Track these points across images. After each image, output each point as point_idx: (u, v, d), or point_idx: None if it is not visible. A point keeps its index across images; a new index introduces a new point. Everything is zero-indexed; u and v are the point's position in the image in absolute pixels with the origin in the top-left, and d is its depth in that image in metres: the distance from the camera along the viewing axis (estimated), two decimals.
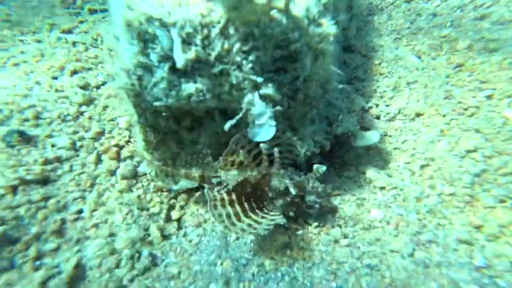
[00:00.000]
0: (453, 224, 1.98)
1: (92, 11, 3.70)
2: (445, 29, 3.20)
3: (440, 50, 3.06)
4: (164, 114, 1.88)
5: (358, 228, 2.10)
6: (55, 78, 2.85)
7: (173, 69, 1.68)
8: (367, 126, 2.66)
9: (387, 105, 2.76)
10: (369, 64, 3.15)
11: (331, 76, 2.10)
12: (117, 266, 1.86)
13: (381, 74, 3.04)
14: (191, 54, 1.56)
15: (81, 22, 3.60)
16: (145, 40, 1.60)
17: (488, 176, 2.13)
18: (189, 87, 1.71)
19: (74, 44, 3.21)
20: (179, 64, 1.57)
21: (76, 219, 2.06)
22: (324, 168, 1.95)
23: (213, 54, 1.62)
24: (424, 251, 1.88)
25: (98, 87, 2.95)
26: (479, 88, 2.60)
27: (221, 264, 1.94)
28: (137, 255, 1.93)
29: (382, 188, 2.31)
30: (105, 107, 2.83)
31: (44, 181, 2.15)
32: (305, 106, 2.06)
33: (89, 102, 2.81)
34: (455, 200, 2.08)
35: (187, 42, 1.58)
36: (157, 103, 1.76)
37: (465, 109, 2.52)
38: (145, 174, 2.48)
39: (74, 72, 2.96)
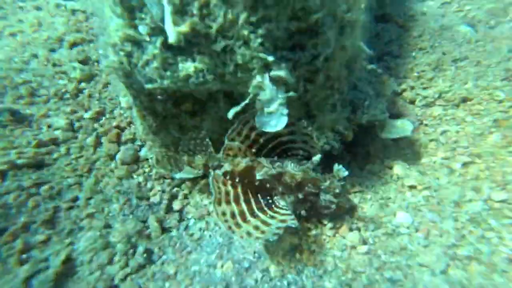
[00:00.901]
0: (503, 239, 1.64)
1: None
2: None
3: (503, 16, 2.51)
4: (159, 97, 1.62)
5: (380, 233, 1.83)
6: (52, 50, 2.63)
7: (167, 44, 1.39)
8: (398, 113, 2.29)
9: (425, 88, 2.34)
10: (407, 36, 2.66)
11: (359, 53, 1.73)
12: (110, 262, 1.72)
13: (420, 49, 2.57)
14: (184, 26, 1.25)
15: None
16: (131, 8, 1.31)
17: None
18: (187, 67, 1.43)
19: (73, 12, 2.95)
20: (171, 38, 1.27)
21: (70, 208, 1.92)
22: (345, 173, 1.69)
23: (214, 27, 1.30)
24: (462, 268, 1.58)
25: (99, 62, 2.72)
26: None
27: (222, 266, 1.76)
28: (131, 250, 1.78)
29: (412, 187, 2.01)
30: (106, 84, 2.61)
31: (37, 165, 2.00)
32: (325, 90, 1.73)
33: (89, 78, 2.60)
34: (507, 209, 1.73)
35: (181, 11, 1.27)
36: (149, 86, 1.49)
37: None
38: (147, 159, 2.31)
39: (74, 44, 2.72)
